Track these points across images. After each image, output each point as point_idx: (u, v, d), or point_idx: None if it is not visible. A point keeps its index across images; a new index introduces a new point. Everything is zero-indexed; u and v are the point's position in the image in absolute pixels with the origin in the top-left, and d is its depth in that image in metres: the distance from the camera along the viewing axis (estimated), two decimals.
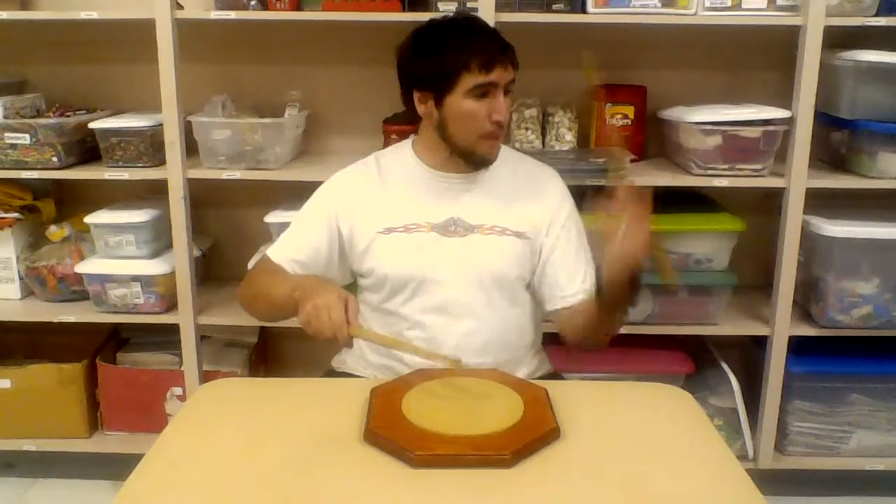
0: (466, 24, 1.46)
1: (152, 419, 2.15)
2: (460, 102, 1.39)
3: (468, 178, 1.49)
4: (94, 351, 2.27)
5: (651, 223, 1.25)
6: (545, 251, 1.48)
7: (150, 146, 2.05)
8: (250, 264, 2.07)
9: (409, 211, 1.46)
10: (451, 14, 1.55)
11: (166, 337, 2.20)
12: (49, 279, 2.19)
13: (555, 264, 1.47)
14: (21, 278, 2.23)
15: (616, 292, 1.32)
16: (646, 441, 1.14)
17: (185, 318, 2.11)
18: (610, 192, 1.26)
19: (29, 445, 2.20)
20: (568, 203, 1.52)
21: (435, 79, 1.39)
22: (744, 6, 1.92)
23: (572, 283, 1.46)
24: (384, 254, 1.45)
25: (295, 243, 1.50)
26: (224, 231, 2.38)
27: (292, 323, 2.10)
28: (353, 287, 1.60)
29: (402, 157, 1.53)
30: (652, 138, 2.21)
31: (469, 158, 1.45)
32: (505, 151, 1.56)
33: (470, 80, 1.36)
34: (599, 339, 1.47)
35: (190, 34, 1.99)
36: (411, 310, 1.44)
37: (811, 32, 1.88)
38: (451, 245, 1.44)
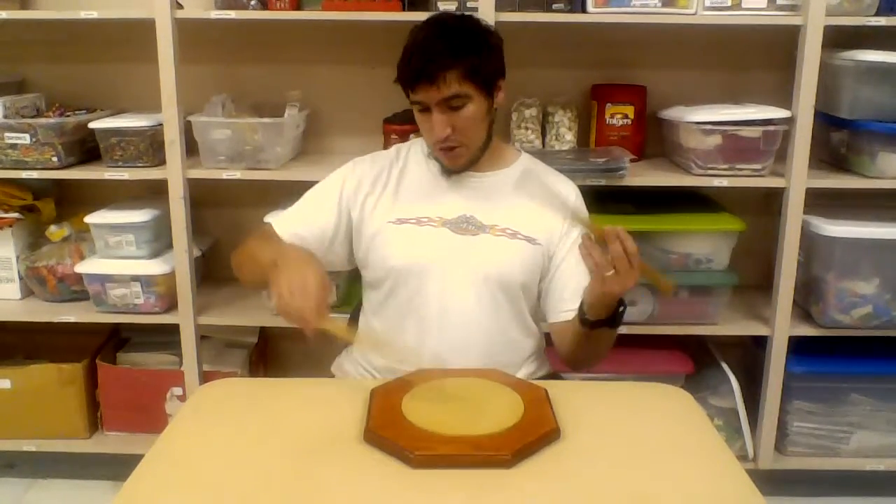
0: (422, 31, 1.40)
1: (152, 419, 2.14)
2: (414, 112, 1.43)
3: (483, 177, 1.49)
4: (94, 351, 2.27)
5: (636, 259, 1.25)
6: (555, 262, 1.48)
7: (150, 146, 2.05)
8: None
9: (423, 204, 1.46)
10: (429, 18, 1.47)
11: (166, 337, 2.20)
12: (49, 279, 2.19)
13: (562, 278, 1.47)
14: (21, 278, 2.23)
15: (597, 320, 1.34)
16: (646, 441, 1.14)
17: (185, 318, 2.11)
18: (601, 236, 1.27)
19: (29, 445, 2.20)
20: (582, 215, 1.52)
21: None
22: (744, 6, 1.92)
23: (575, 297, 1.44)
24: (393, 244, 1.45)
25: (302, 218, 1.50)
26: (224, 231, 2.38)
27: (292, 323, 2.13)
28: (356, 283, 1.59)
29: (422, 151, 1.54)
30: (652, 138, 2.21)
31: (440, 163, 1.48)
32: (524, 157, 1.57)
33: (410, 95, 1.39)
34: (590, 360, 1.48)
35: (190, 34, 1.99)
36: (414, 306, 1.44)
37: (811, 32, 1.88)
38: (460, 242, 1.43)
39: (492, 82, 1.41)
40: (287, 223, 1.50)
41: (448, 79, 1.34)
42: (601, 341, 1.41)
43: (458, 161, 1.44)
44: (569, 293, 1.45)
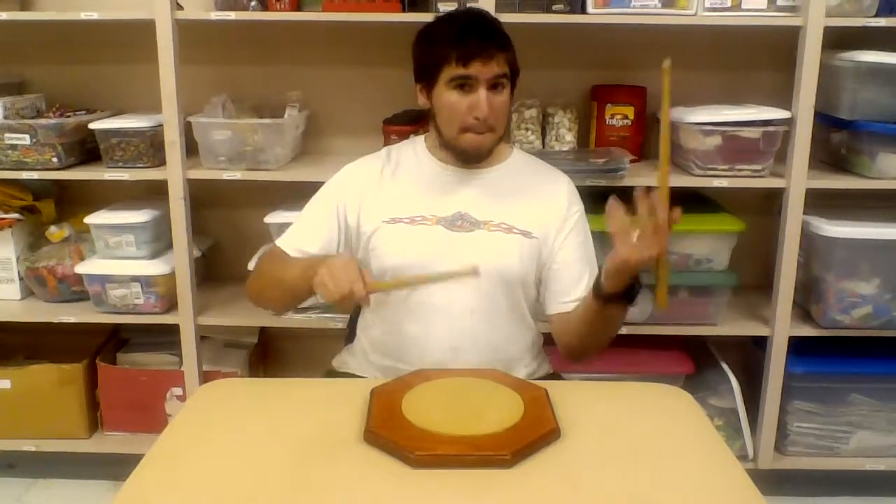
0: (464, 17, 1.47)
1: (152, 419, 2.14)
2: (443, 94, 1.42)
3: (477, 174, 1.50)
4: (94, 351, 2.27)
5: (664, 227, 1.20)
6: (552, 255, 1.48)
7: (150, 147, 2.05)
8: (251, 265, 2.07)
9: (417, 203, 1.46)
10: (459, 9, 1.56)
11: (166, 337, 2.20)
12: (49, 279, 2.19)
13: (559, 269, 1.48)
14: (21, 279, 2.23)
15: (611, 294, 1.31)
16: (646, 441, 1.14)
17: (184, 319, 2.11)
18: (641, 194, 1.21)
19: (29, 445, 2.20)
20: (577, 207, 1.52)
21: (424, 70, 1.44)
22: (744, 6, 1.92)
23: (574, 288, 1.46)
24: (387, 243, 1.45)
25: (305, 234, 1.51)
26: (224, 231, 2.38)
27: (292, 323, 2.13)
28: None
29: (415, 150, 1.54)
30: (652, 139, 2.21)
31: (456, 152, 1.47)
32: (516, 152, 1.58)
33: (449, 72, 1.40)
34: (591, 348, 1.47)
35: (190, 34, 1.99)
36: (411, 304, 1.44)
37: (811, 33, 1.88)
38: (455, 239, 1.43)
39: (515, 79, 1.47)
40: (293, 242, 1.50)
41: (500, 59, 1.40)
42: (609, 322, 1.40)
43: (484, 145, 1.45)
44: (565, 285, 1.47)
